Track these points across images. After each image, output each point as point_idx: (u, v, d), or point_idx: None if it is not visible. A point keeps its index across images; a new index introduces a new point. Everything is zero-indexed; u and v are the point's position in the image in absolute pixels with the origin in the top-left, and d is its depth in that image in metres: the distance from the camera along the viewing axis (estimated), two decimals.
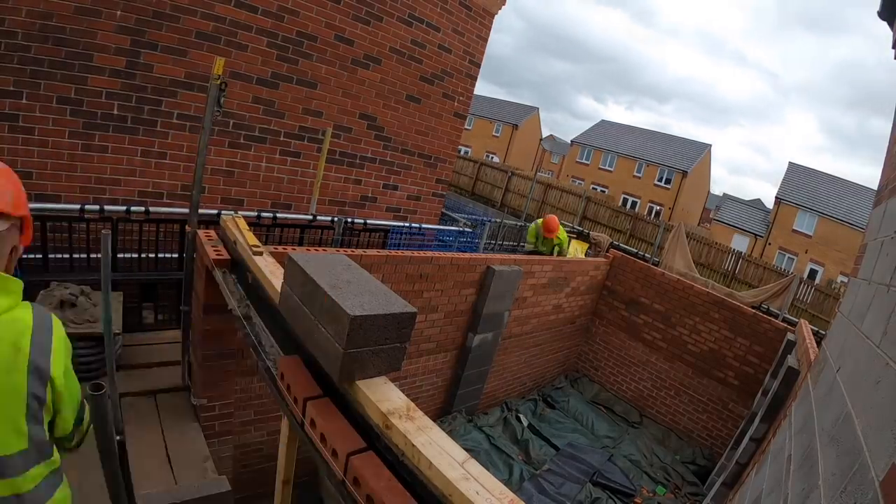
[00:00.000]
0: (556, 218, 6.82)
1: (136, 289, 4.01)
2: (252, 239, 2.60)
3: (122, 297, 3.47)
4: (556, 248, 6.94)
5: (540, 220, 6.95)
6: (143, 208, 3.84)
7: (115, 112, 4.08)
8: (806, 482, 1.59)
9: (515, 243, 9.63)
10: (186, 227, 3.09)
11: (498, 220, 9.88)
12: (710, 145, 34.15)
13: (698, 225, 33.43)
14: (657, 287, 7.22)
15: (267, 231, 4.74)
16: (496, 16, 6.77)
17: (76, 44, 3.74)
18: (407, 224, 6.07)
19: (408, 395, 1.41)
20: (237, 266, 2.64)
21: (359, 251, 4.36)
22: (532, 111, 40.22)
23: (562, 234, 7.05)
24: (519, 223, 9.94)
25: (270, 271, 2.25)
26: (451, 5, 6.11)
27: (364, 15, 5.35)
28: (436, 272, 4.70)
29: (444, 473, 1.11)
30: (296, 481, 1.79)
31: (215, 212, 4.07)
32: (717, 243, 16.67)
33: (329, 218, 5.04)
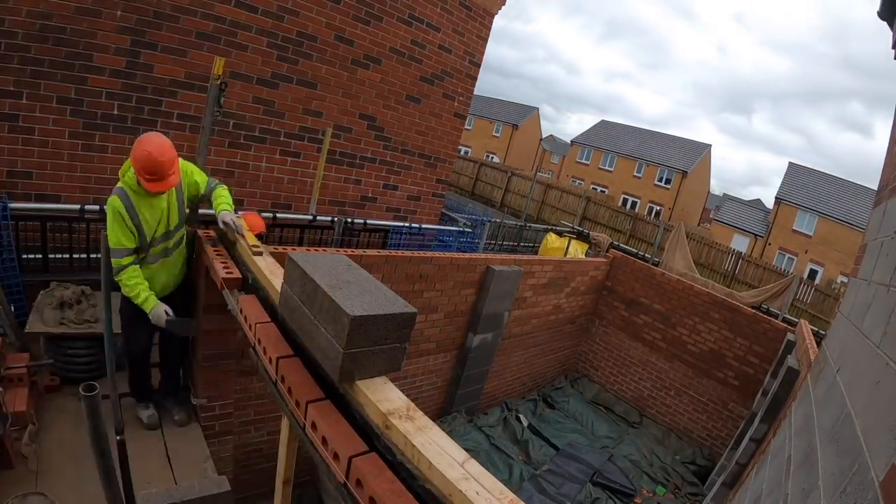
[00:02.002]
0: None
1: None
2: (252, 239, 2.62)
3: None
4: None
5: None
6: None
7: (116, 112, 4.08)
8: (806, 482, 1.59)
9: (515, 243, 9.63)
10: (186, 226, 3.09)
11: (498, 220, 9.87)
12: (710, 145, 34.16)
13: (698, 225, 33.44)
14: (657, 287, 7.22)
15: (267, 231, 4.74)
16: (496, 16, 6.77)
17: (76, 44, 3.74)
18: (407, 224, 6.06)
19: (408, 396, 1.41)
20: (237, 267, 2.64)
21: (359, 251, 4.36)
22: (532, 111, 40.22)
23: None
24: (519, 223, 9.93)
25: (270, 271, 2.25)
26: (451, 5, 6.10)
27: (364, 15, 5.35)
28: (436, 272, 4.70)
29: (444, 473, 1.11)
30: (296, 481, 1.79)
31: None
32: (717, 243, 16.68)
33: (329, 218, 5.04)
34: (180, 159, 2.62)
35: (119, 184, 2.45)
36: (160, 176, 2.39)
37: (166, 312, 2.62)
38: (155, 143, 2.37)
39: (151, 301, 2.58)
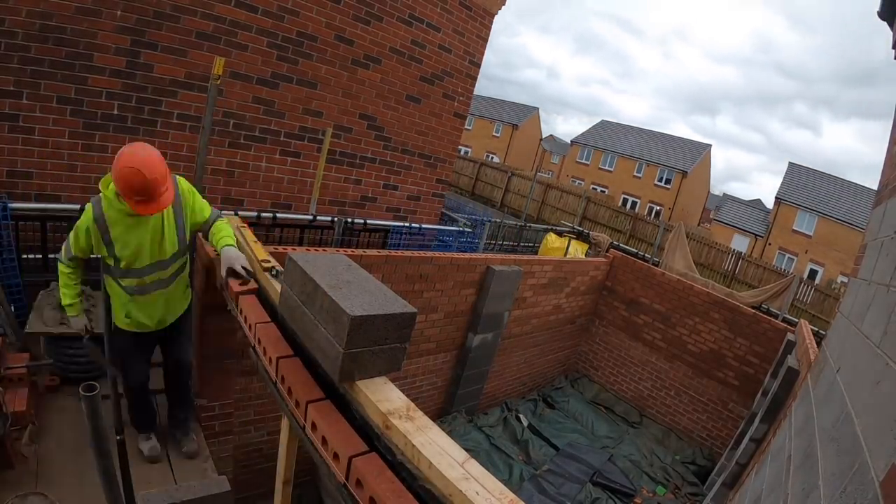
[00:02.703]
0: None
1: None
2: (261, 253, 2.43)
3: None
4: None
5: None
6: None
7: (116, 112, 4.07)
8: (806, 482, 1.59)
9: (515, 243, 9.63)
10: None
11: (498, 220, 9.87)
12: (710, 145, 34.17)
13: (698, 225, 33.43)
14: (657, 287, 7.21)
15: (267, 231, 4.74)
16: (496, 16, 6.77)
17: (76, 44, 3.74)
18: (407, 224, 6.06)
19: (408, 396, 1.41)
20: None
21: (359, 251, 4.36)
22: (532, 111, 40.21)
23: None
24: (519, 223, 9.93)
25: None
26: (451, 5, 6.10)
27: (364, 15, 5.35)
28: (436, 272, 4.69)
29: (444, 473, 1.11)
30: (296, 481, 1.79)
31: None
32: (717, 243, 16.67)
33: (329, 218, 5.04)
34: (181, 179, 2.41)
35: (99, 195, 2.23)
36: (150, 196, 2.07)
37: (86, 329, 2.41)
38: (140, 157, 2.04)
39: (73, 309, 2.42)
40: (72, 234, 2.26)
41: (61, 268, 2.34)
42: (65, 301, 2.39)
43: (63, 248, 2.31)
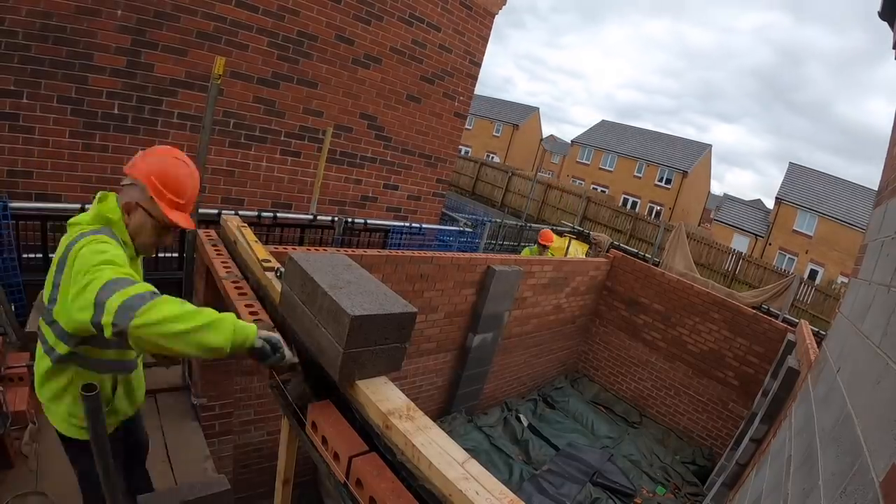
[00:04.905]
0: (549, 231, 6.94)
1: None
2: (262, 252, 2.35)
3: None
4: None
5: (535, 248, 7.09)
6: None
7: (116, 111, 4.08)
8: (806, 482, 1.59)
9: (516, 243, 9.64)
10: None
11: (498, 220, 9.88)
12: (711, 145, 34.18)
13: (698, 225, 33.43)
14: (657, 287, 7.21)
15: (267, 231, 4.74)
16: (496, 15, 6.78)
17: (77, 43, 3.74)
18: (407, 224, 6.06)
19: (408, 395, 1.41)
20: (237, 266, 2.64)
21: (359, 251, 4.36)
22: (532, 111, 40.21)
23: (556, 248, 7.07)
24: (519, 223, 9.94)
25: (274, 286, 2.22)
26: (451, 5, 6.11)
27: (364, 14, 5.35)
28: (436, 272, 4.70)
29: (444, 473, 1.11)
30: (296, 481, 1.79)
31: (215, 211, 4.07)
32: (717, 243, 16.68)
33: (329, 218, 5.04)
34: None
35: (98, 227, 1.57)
36: (190, 206, 1.70)
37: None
38: (186, 159, 1.71)
39: (252, 327, 1.41)
40: (111, 267, 1.38)
41: (160, 300, 1.31)
42: (221, 327, 1.33)
43: (119, 291, 1.30)
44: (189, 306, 1.34)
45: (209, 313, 1.34)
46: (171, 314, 1.28)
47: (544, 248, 7.03)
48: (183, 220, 1.65)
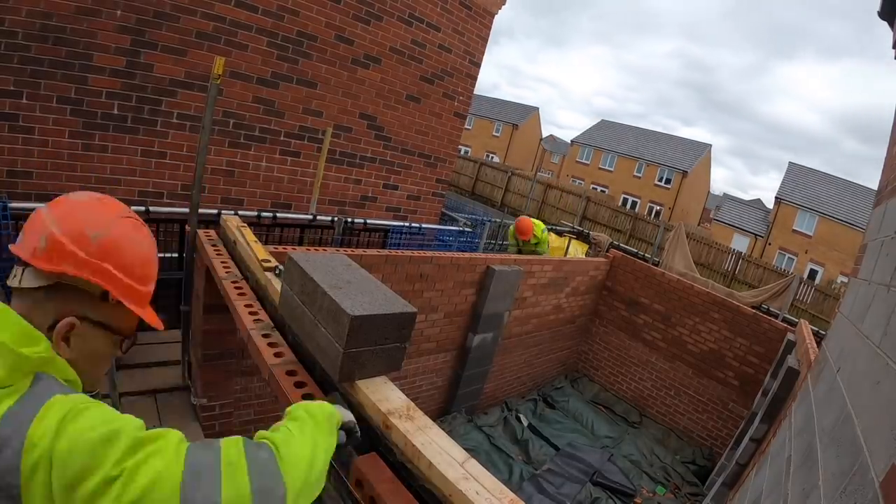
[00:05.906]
0: (527, 219, 6.57)
1: None
2: (262, 252, 2.38)
3: None
4: (537, 250, 6.67)
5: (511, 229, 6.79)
6: (143, 208, 3.83)
7: (115, 112, 4.07)
8: (806, 482, 1.59)
9: (515, 243, 9.63)
10: (186, 226, 3.09)
11: (498, 220, 9.87)
12: (710, 145, 34.20)
13: (698, 225, 33.46)
14: (657, 287, 7.22)
15: (267, 231, 4.74)
16: (496, 15, 6.78)
17: (76, 43, 3.74)
18: (407, 224, 6.06)
19: (408, 395, 1.41)
20: (237, 266, 2.64)
21: (359, 251, 4.36)
22: (532, 111, 40.21)
23: (541, 234, 6.63)
24: None
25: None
26: (451, 5, 6.10)
27: (364, 14, 5.35)
28: (436, 272, 4.70)
29: (444, 473, 1.11)
30: None
31: (215, 211, 4.07)
32: (717, 243, 16.69)
33: (329, 218, 5.04)
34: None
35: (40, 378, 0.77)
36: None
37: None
38: (123, 207, 1.02)
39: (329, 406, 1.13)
40: (149, 448, 0.78)
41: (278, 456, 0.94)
42: (314, 410, 1.06)
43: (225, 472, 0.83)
44: (290, 434, 0.99)
45: (302, 425, 1.01)
46: (303, 460, 0.95)
47: (525, 242, 6.50)
48: (154, 316, 1.08)
